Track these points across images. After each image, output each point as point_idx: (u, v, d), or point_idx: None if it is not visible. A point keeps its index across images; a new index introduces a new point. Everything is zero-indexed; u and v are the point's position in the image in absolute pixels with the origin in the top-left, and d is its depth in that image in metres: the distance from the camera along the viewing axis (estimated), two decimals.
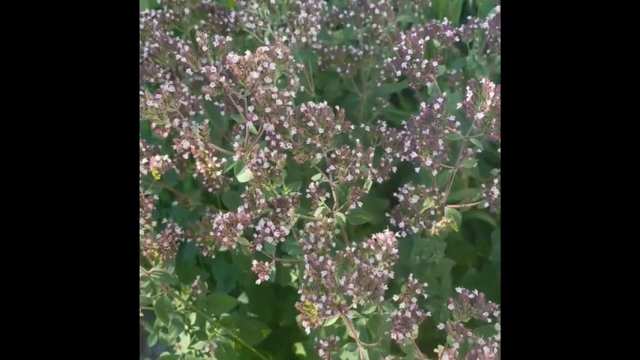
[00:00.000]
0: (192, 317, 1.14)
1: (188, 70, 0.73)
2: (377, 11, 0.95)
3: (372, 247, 0.74)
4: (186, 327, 1.13)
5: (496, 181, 0.81)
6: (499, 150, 0.82)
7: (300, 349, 1.27)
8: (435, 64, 0.78)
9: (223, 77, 0.66)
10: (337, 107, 0.79)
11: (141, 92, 0.66)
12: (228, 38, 0.72)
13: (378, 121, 0.88)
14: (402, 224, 0.83)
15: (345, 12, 1.02)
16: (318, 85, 1.36)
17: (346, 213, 0.88)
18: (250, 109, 0.68)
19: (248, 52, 0.66)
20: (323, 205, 0.87)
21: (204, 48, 0.68)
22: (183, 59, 0.71)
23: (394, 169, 0.85)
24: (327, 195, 0.85)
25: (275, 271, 0.80)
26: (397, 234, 0.76)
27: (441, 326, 0.66)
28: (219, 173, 0.92)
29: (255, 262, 0.77)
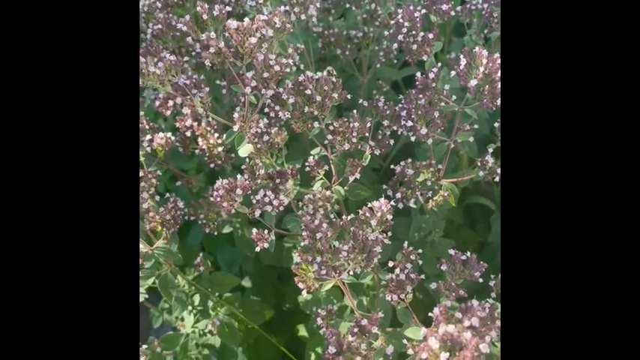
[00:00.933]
0: (196, 298, 1.16)
1: (189, 39, 0.74)
2: None
3: (367, 214, 0.75)
4: (189, 307, 1.15)
5: (491, 150, 0.82)
6: (497, 130, 0.84)
7: (302, 331, 1.28)
8: (430, 36, 0.80)
9: (222, 43, 0.68)
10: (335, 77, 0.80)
11: (142, 60, 0.68)
12: (228, 7, 0.74)
13: (377, 96, 0.90)
14: (398, 195, 0.84)
15: None
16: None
17: (345, 188, 0.89)
18: (249, 74, 0.70)
19: (246, 19, 0.68)
20: (322, 179, 0.88)
21: (205, 16, 0.70)
22: (185, 28, 0.74)
23: (391, 142, 0.86)
24: (326, 168, 0.87)
25: (274, 240, 0.81)
26: (392, 202, 0.77)
27: (433, 285, 0.67)
28: (220, 149, 0.94)
29: (254, 230, 0.79)
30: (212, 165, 0.97)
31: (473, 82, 0.72)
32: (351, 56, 1.11)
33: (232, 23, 0.67)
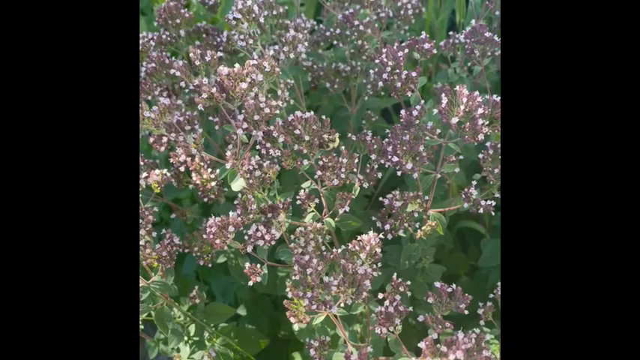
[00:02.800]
0: (192, 328, 1.18)
1: (182, 84, 0.78)
2: (361, 28, 1.01)
3: (357, 247, 0.78)
4: (185, 338, 1.17)
5: (475, 182, 0.85)
6: (482, 161, 0.88)
7: (298, 358, 1.30)
8: (413, 74, 0.84)
9: (214, 88, 0.72)
10: (323, 116, 0.84)
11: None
12: (219, 53, 0.78)
13: (364, 130, 0.93)
14: (387, 226, 0.88)
15: (332, 30, 1.09)
16: (313, 103, 1.43)
17: (336, 219, 0.92)
18: (240, 117, 0.73)
19: (237, 65, 0.72)
20: (313, 211, 0.91)
21: (197, 62, 0.74)
22: (178, 73, 0.77)
23: (379, 175, 0.90)
24: (317, 201, 0.90)
25: (267, 274, 0.84)
26: (381, 235, 0.80)
27: (420, 318, 0.70)
28: (213, 184, 0.97)
29: (247, 264, 0.82)
30: (205, 199, 1.01)
31: (454, 120, 0.75)
32: (340, 89, 1.15)
33: (224, 70, 0.71)
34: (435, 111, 0.78)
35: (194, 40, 1.17)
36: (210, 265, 1.06)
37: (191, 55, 0.74)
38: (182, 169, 1.01)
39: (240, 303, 1.38)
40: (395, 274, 0.81)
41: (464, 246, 1.47)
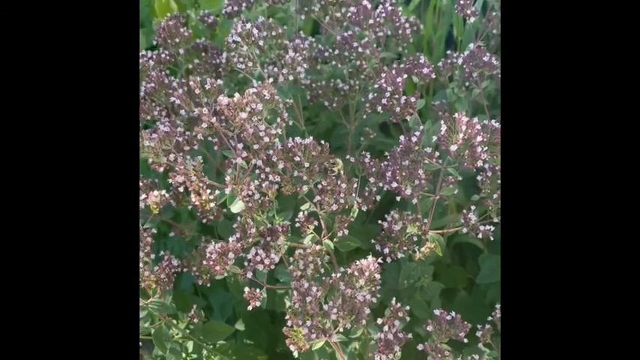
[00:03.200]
0: (190, 345, 1.18)
1: (182, 111, 0.79)
2: (360, 49, 1.02)
3: (356, 272, 0.79)
4: (183, 355, 1.17)
5: (473, 207, 0.86)
6: (480, 183, 0.89)
7: None
8: (412, 99, 0.85)
9: (214, 118, 0.72)
10: (323, 142, 0.85)
11: None
12: (219, 81, 0.78)
13: (363, 152, 0.94)
14: (386, 250, 0.88)
15: (330, 50, 1.09)
16: (311, 115, 1.43)
17: (335, 240, 0.93)
18: (240, 146, 0.74)
19: (237, 95, 0.72)
20: (312, 233, 0.92)
21: (197, 91, 0.74)
22: (178, 101, 0.78)
23: (378, 198, 0.90)
24: (316, 223, 0.91)
25: (266, 297, 0.85)
26: (380, 259, 0.81)
27: (420, 347, 0.71)
28: (212, 205, 0.97)
29: (246, 289, 0.82)
30: (204, 220, 1.01)
31: (453, 148, 0.76)
32: (339, 107, 1.15)
33: (224, 100, 0.71)
34: (434, 137, 0.79)
35: (193, 58, 1.17)
36: (208, 285, 1.06)
37: (191, 83, 0.74)
38: (181, 189, 1.01)
39: (239, 317, 1.39)
40: (394, 298, 0.81)
41: (462, 259, 1.48)
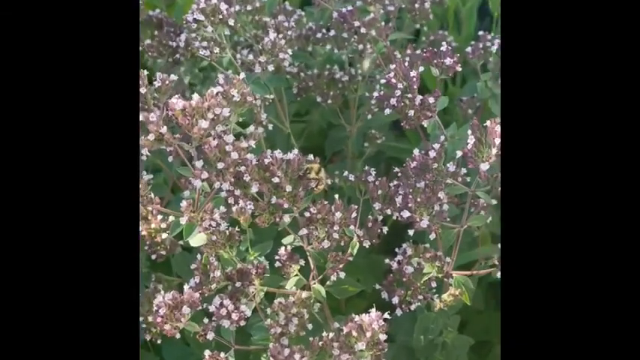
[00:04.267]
0: None
1: None
2: (363, 30, 1.00)
3: (354, 332, 0.77)
4: None
5: None
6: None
7: None
8: (431, 100, 0.83)
9: (165, 127, 0.70)
10: (312, 156, 0.83)
11: None
12: (172, 76, 0.77)
13: (366, 167, 0.93)
14: (395, 299, 0.87)
15: (324, 31, 1.08)
16: (301, 110, 1.41)
17: (327, 284, 0.91)
18: (199, 164, 0.72)
19: (195, 97, 0.71)
20: (297, 276, 0.90)
21: (143, 90, 0.73)
22: None
23: (385, 230, 0.89)
24: (302, 262, 0.89)
25: None
26: (387, 314, 0.80)
27: None
28: (165, 235, 0.96)
29: (207, 353, 0.80)
30: (154, 256, 0.99)
31: (484, 167, 0.75)
32: (336, 103, 1.14)
33: (177, 103, 0.70)
34: (459, 153, 0.77)
35: (145, 37, 1.16)
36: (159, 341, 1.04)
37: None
38: None
39: None
40: None
41: (498, 302, 1.47)
